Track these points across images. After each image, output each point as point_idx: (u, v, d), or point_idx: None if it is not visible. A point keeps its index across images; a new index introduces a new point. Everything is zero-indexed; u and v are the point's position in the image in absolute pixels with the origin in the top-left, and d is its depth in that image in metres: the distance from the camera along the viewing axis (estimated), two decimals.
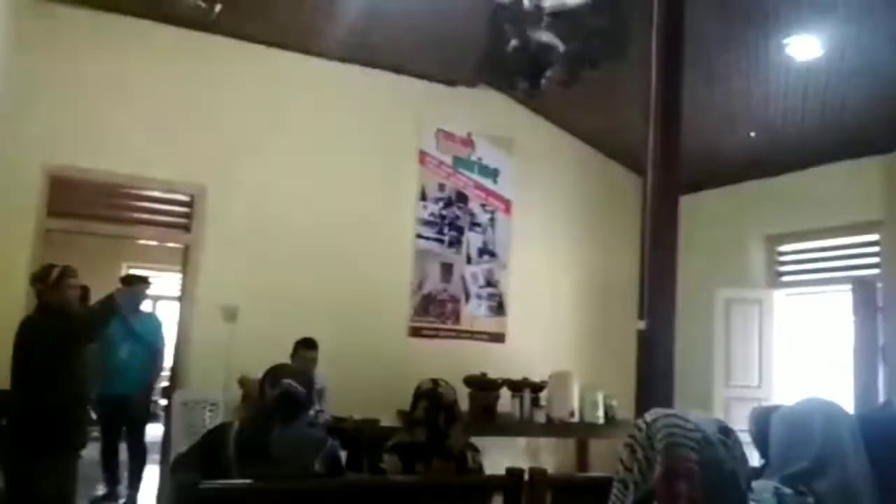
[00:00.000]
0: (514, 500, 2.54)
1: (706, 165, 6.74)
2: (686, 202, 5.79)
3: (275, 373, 2.55)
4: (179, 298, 6.02)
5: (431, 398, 2.71)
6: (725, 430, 1.52)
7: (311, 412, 3.86)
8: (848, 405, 5.35)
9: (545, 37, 2.56)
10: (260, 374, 2.69)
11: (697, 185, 7.01)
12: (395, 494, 2.44)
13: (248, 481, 2.24)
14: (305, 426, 2.53)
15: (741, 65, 5.38)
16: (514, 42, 2.51)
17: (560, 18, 2.71)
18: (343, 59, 6.33)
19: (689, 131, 5.34)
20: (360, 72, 6.45)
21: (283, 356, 5.29)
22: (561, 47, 2.59)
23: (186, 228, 5.91)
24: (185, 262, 5.94)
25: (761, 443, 2.25)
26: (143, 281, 5.74)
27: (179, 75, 5.87)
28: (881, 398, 5.31)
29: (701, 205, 6.96)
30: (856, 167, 5.91)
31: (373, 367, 6.07)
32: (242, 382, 5.06)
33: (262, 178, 6.08)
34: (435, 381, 2.79)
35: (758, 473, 1.97)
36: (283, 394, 2.44)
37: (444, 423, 2.69)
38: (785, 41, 4.99)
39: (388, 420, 5.49)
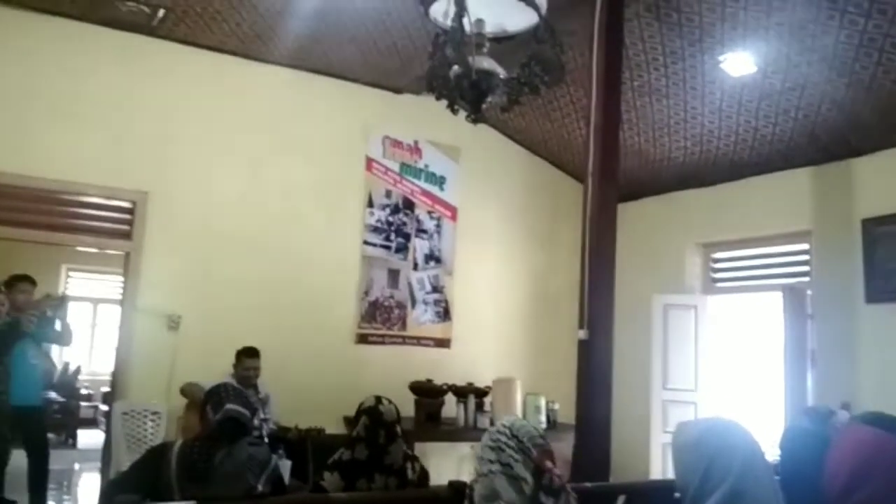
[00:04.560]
0: None
1: (645, 175, 6.95)
2: (625, 210, 5.99)
3: (217, 395, 2.56)
4: (121, 304, 5.92)
5: (373, 415, 2.76)
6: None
7: (256, 421, 3.87)
8: (780, 407, 5.58)
9: (486, 63, 2.62)
10: (203, 384, 2.69)
11: (637, 193, 7.21)
12: None
13: (189, 503, 2.25)
14: (248, 446, 2.54)
15: (679, 79, 5.55)
16: (455, 68, 2.57)
17: (501, 44, 2.79)
18: (289, 66, 6.31)
19: (628, 142, 5.55)
20: (305, 78, 6.45)
21: (227, 365, 5.28)
22: (502, 73, 2.66)
23: (127, 235, 5.82)
24: (127, 268, 5.85)
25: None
26: (27, 280, 5.37)
27: (121, 80, 5.77)
28: (809, 401, 5.55)
29: (640, 213, 7.16)
30: (786, 178, 6.15)
31: (319, 374, 6.09)
32: (185, 391, 5.02)
33: (206, 185, 6.02)
34: (378, 399, 2.83)
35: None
36: (225, 419, 2.46)
37: (384, 439, 2.73)
38: (720, 57, 5.17)
39: (334, 428, 5.52)
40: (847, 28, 4.50)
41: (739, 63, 5.17)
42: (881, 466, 1.85)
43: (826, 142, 5.69)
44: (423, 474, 2.88)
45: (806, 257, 6.17)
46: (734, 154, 6.24)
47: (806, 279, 6.09)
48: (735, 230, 6.64)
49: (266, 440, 4.40)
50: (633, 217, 6.83)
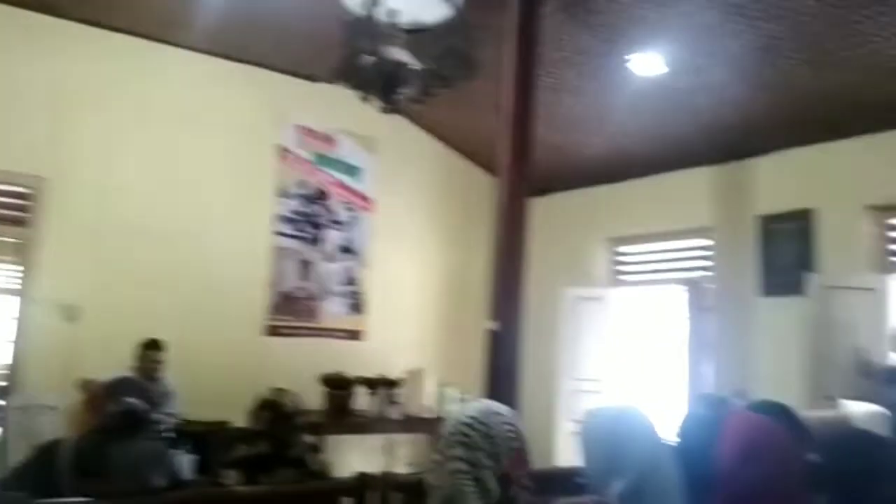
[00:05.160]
0: (361, 501, 2.60)
1: (557, 170, 7.08)
2: (538, 205, 6.09)
3: (115, 389, 2.47)
4: (18, 295, 5.63)
5: (274, 409, 2.72)
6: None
7: (158, 415, 3.76)
8: (682, 396, 5.80)
9: (399, 54, 2.62)
10: (103, 378, 2.60)
11: (549, 188, 7.34)
12: None
13: (83, 499, 2.17)
14: (144, 440, 2.47)
15: (591, 77, 5.68)
16: (367, 58, 2.56)
17: (415, 36, 2.79)
18: (200, 51, 6.13)
19: (541, 137, 5.63)
20: (216, 64, 6.27)
21: (129, 357, 5.11)
22: (415, 65, 2.66)
23: (24, 222, 5.54)
24: (23, 257, 5.57)
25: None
26: None
27: (19, 60, 5.47)
28: (708, 390, 5.80)
29: (552, 208, 7.30)
30: (690, 176, 6.40)
31: (228, 366, 5.95)
32: (83, 386, 4.81)
33: (110, 172, 5.79)
34: (279, 391, 2.80)
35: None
36: (123, 412, 2.38)
37: (286, 433, 2.70)
38: (629, 57, 5.31)
39: (244, 421, 5.41)
40: (749, 32, 4.70)
41: (648, 63, 5.32)
42: (765, 449, 1.96)
43: (727, 142, 5.94)
44: (325, 466, 2.86)
45: (707, 253, 6.43)
46: (642, 152, 6.44)
47: (707, 273, 6.35)
48: (641, 225, 6.85)
49: (169, 435, 4.28)
50: (545, 211, 6.93)
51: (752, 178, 5.97)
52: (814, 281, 5.31)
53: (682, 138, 6.07)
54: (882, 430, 3.56)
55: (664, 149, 6.29)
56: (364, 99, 2.62)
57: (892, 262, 5.32)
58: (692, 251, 6.64)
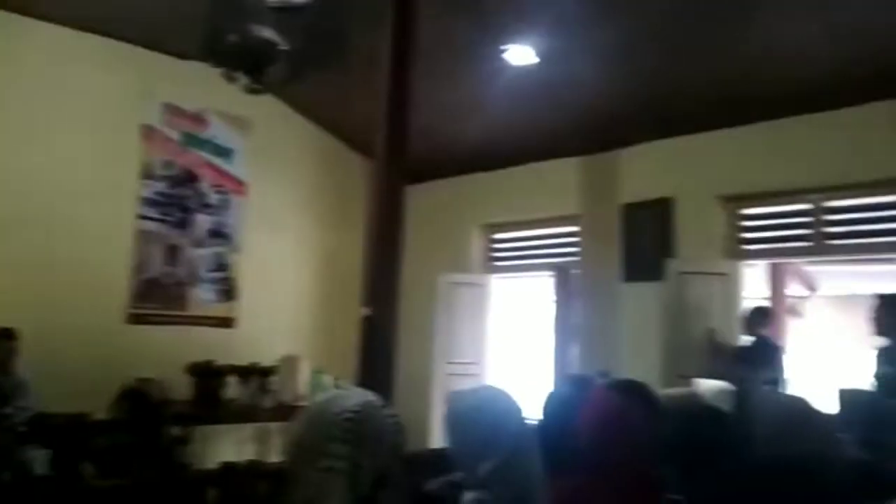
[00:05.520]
0: (228, 493, 2.55)
1: (434, 158, 7.12)
2: (415, 192, 6.11)
3: None
4: None
5: (136, 399, 2.61)
6: None
7: (9, 409, 3.52)
8: (550, 378, 6.00)
9: (266, 33, 2.55)
10: None
11: (426, 175, 7.38)
12: (98, 500, 2.32)
13: None
14: None
15: (466, 65, 5.75)
16: (232, 36, 2.47)
17: (284, 15, 2.72)
18: (60, 23, 5.72)
19: (418, 124, 5.66)
20: (80, 38, 5.88)
21: None
22: (283, 45, 2.60)
23: None
24: None
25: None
26: None
27: None
28: (575, 372, 6.03)
29: (429, 194, 7.34)
30: (561, 165, 6.60)
31: (89, 357, 5.61)
32: None
33: None
34: (143, 381, 2.68)
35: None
36: None
37: (150, 423, 2.60)
38: (505, 47, 5.41)
39: (104, 413, 5.15)
40: (616, 27, 4.89)
41: (522, 54, 5.44)
42: (620, 425, 2.06)
43: (595, 133, 6.17)
44: (193, 457, 2.77)
45: (576, 240, 6.67)
46: (516, 141, 6.58)
47: (575, 260, 6.59)
48: (514, 213, 7.02)
49: (21, 429, 4.01)
50: (422, 198, 6.98)
51: (617, 168, 6.24)
52: (671, 267, 5.63)
53: (553, 129, 6.26)
54: (728, 406, 3.83)
55: (537, 138, 6.46)
56: (229, 78, 2.53)
57: (743, 250, 5.71)
58: (562, 238, 6.87)
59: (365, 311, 4.32)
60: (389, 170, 4.46)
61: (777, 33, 4.61)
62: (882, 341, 4.32)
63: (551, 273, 6.52)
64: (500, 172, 7.04)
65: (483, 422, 1.95)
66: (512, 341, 7.39)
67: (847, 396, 3.61)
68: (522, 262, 7.26)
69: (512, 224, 7.21)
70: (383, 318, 4.32)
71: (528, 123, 6.29)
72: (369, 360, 4.31)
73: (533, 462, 1.96)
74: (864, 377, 4.38)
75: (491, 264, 7.44)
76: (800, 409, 2.59)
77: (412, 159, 4.89)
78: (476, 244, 7.42)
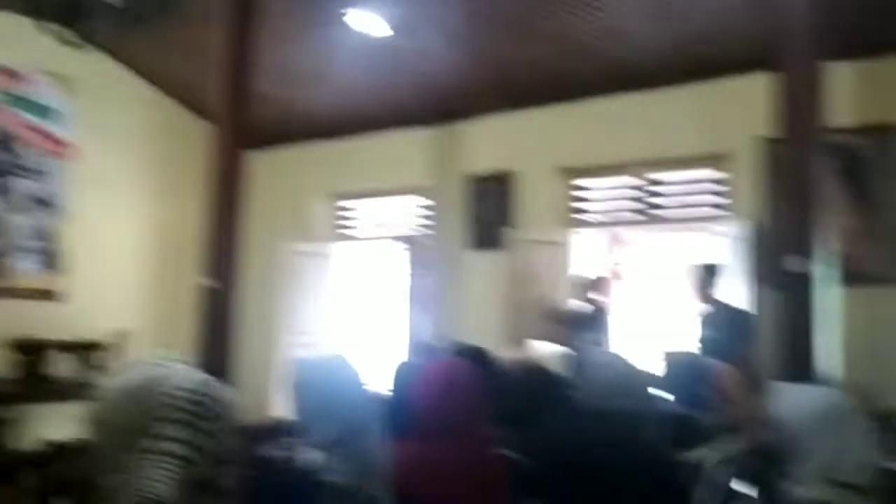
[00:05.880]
0: (49, 475, 2.40)
1: (280, 124, 6.95)
2: (258, 159, 5.95)
3: None
4: None
5: None
6: None
7: None
8: (402, 348, 6.07)
9: None
10: None
11: (271, 142, 7.18)
12: None
13: None
14: None
15: (312, 32, 5.61)
16: None
17: None
18: None
19: (261, 89, 5.50)
20: None
21: None
22: None
23: None
24: None
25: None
26: None
27: None
28: (425, 341, 6.13)
29: (273, 162, 7.16)
30: (411, 135, 6.62)
31: None
32: None
33: None
34: None
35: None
36: None
37: None
38: (351, 15, 5.33)
39: None
40: (462, 1, 4.94)
41: (369, 21, 5.38)
42: (459, 390, 2.13)
43: (442, 104, 6.24)
44: (11, 437, 2.58)
45: (425, 210, 6.75)
46: (364, 110, 6.53)
47: (425, 230, 6.67)
48: (364, 183, 6.98)
49: None
50: (267, 166, 6.81)
51: (463, 140, 6.35)
52: (512, 236, 5.84)
53: (401, 99, 6.27)
54: (561, 367, 4.05)
55: (385, 108, 6.45)
56: (43, 29, 2.32)
57: (577, 220, 6.01)
58: (411, 208, 6.92)
59: (204, 282, 4.18)
60: (228, 135, 4.31)
61: (613, 13, 4.84)
62: (703, 307, 4.71)
63: (400, 243, 6.57)
64: (349, 141, 6.97)
65: (328, 389, 1.96)
66: (360, 312, 7.40)
67: (671, 359, 3.92)
68: (371, 232, 7.25)
69: (360, 193, 7.17)
70: (224, 290, 4.20)
71: (376, 93, 6.26)
72: (209, 332, 4.19)
73: (377, 429, 1.99)
74: (688, 340, 4.77)
75: (339, 234, 7.38)
76: (623, 368, 2.79)
77: (255, 125, 4.74)
78: (323, 214, 7.33)
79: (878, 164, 4.57)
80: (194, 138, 7.11)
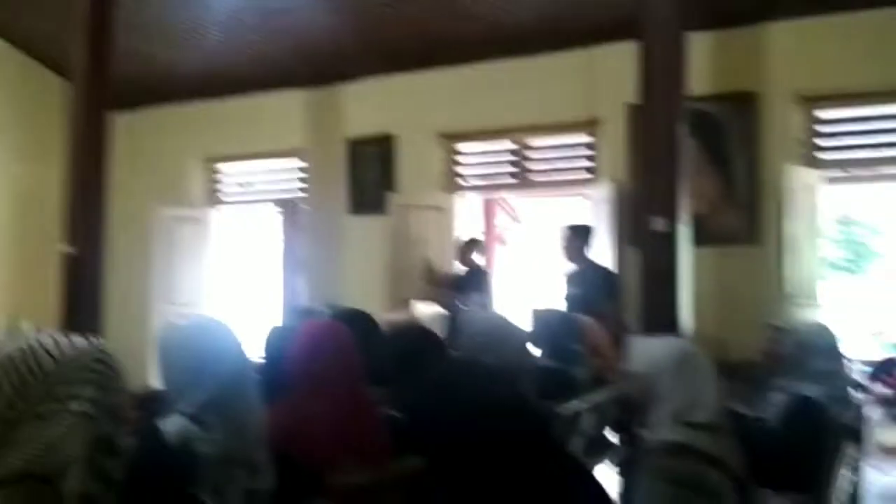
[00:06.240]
0: None
1: (147, 83, 6.61)
2: (125, 119, 5.66)
3: None
4: None
5: None
6: None
7: None
8: (278, 312, 5.99)
9: None
10: None
11: (138, 102, 6.82)
12: None
13: None
14: None
15: None
16: None
17: None
18: None
19: (125, 46, 5.21)
20: None
21: None
22: None
23: None
24: None
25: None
26: None
27: None
28: (302, 305, 6.08)
29: (142, 123, 6.84)
30: (286, 97, 6.47)
31: None
32: None
33: None
34: None
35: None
36: None
37: None
38: None
39: None
40: None
41: None
42: (331, 350, 2.14)
43: (320, 66, 6.12)
44: None
45: (302, 174, 6.64)
46: (239, 70, 6.31)
47: (302, 194, 6.57)
48: (239, 145, 6.77)
49: None
50: (135, 126, 6.49)
51: (342, 102, 6.27)
52: (393, 200, 5.86)
53: (278, 59, 6.11)
54: (441, 327, 4.15)
55: (261, 68, 6.25)
56: None
57: (458, 184, 6.09)
58: (288, 172, 6.80)
59: (66, 249, 3.97)
60: (90, 93, 4.07)
61: None
62: (570, 266, 4.91)
63: (277, 207, 6.45)
64: (223, 102, 6.70)
65: (194, 353, 1.90)
66: (238, 277, 7.24)
67: (540, 315, 4.06)
68: (247, 195, 7.07)
69: (235, 156, 6.96)
70: (88, 257, 3.99)
71: (251, 53, 6.07)
72: (73, 301, 3.99)
73: (250, 393, 1.97)
74: (558, 298, 4.96)
75: (213, 198, 7.15)
76: (499, 326, 2.89)
77: (122, 84, 4.49)
78: (197, 177, 7.07)
79: (734, 130, 4.88)
80: (55, 98, 6.67)
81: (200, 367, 1.85)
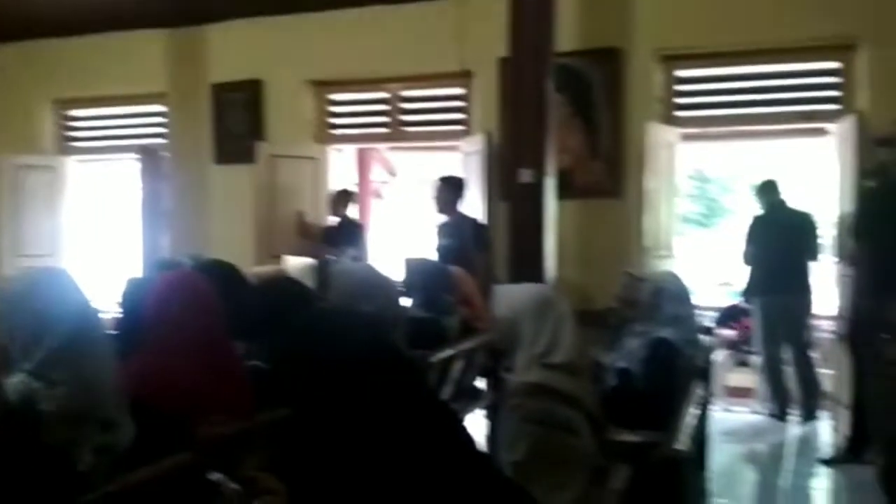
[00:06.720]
0: None
1: None
2: None
3: None
4: None
5: None
6: None
7: None
8: (138, 264, 5.74)
9: None
10: None
11: None
12: None
13: None
14: None
15: None
16: None
17: None
18: None
19: None
20: None
21: None
22: None
23: None
24: None
25: None
26: None
27: None
28: (165, 257, 5.83)
29: None
30: (145, 38, 6.08)
31: None
32: None
33: None
34: None
35: None
36: None
37: None
38: None
39: None
40: None
41: None
42: (186, 300, 2.07)
43: (183, 3, 5.77)
44: None
45: (163, 119, 6.30)
46: (94, 5, 5.84)
47: (162, 141, 6.25)
48: (93, 87, 6.33)
49: None
50: None
51: (205, 45, 5.97)
52: (262, 150, 5.67)
53: None
54: (311, 279, 4.08)
55: (119, 4, 5.81)
56: None
57: (331, 134, 5.97)
58: (148, 118, 6.44)
59: None
60: None
61: None
62: (442, 217, 4.95)
63: (136, 155, 6.11)
64: (76, 40, 6.19)
65: (34, 307, 1.78)
66: (96, 229, 6.85)
67: (411, 265, 4.09)
68: (104, 142, 6.65)
69: (90, 100, 6.52)
70: None
71: None
72: None
73: (99, 347, 1.87)
74: (431, 249, 5.01)
75: (67, 145, 6.67)
76: (369, 276, 2.89)
77: None
78: (48, 122, 6.57)
79: (600, 86, 5.03)
80: None
81: (41, 322, 1.74)
